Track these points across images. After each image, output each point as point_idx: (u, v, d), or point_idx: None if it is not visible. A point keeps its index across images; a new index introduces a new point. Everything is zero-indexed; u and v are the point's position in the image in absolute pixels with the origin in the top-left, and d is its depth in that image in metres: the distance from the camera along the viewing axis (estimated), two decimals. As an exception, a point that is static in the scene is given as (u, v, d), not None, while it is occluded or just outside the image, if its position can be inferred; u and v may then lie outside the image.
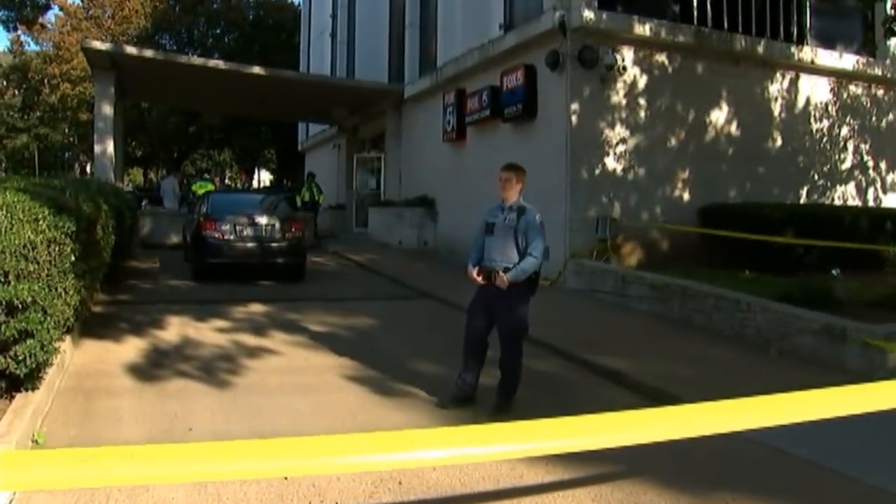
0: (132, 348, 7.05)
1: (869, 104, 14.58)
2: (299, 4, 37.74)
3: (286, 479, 3.99)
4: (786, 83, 13.58)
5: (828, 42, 14.11)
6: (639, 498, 3.96)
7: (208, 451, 1.87)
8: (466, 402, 5.49)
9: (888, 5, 12.00)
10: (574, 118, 11.58)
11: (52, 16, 37.36)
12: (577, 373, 6.83)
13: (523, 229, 5.40)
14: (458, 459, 2.34)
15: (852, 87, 14.36)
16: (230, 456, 1.82)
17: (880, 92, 14.72)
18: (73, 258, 5.38)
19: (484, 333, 5.56)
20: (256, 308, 9.44)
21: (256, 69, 18.31)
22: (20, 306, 4.53)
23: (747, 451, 4.69)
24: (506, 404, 5.42)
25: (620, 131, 11.98)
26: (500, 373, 5.58)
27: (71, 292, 5.49)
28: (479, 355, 5.56)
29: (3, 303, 4.49)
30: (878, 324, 7.09)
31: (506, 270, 5.34)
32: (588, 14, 11.39)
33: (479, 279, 5.53)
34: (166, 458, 1.83)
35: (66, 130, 42.75)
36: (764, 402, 2.32)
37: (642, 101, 12.19)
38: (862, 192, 14.48)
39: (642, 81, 12.20)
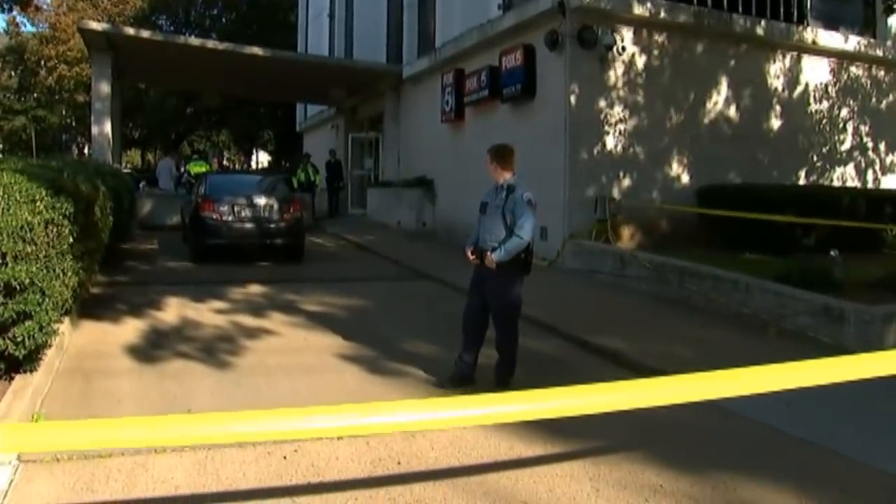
0: (131, 329, 7.07)
1: (869, 85, 14.50)
2: (297, -16, 37.45)
3: (285, 458, 4.02)
4: (786, 64, 13.49)
5: (829, 23, 14.01)
6: (637, 477, 3.98)
7: (205, 419, 1.92)
8: (465, 382, 5.49)
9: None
10: (573, 98, 11.51)
11: (47, -4, 37.11)
12: (575, 353, 6.85)
13: (510, 208, 5.39)
14: (439, 424, 2.46)
15: (853, 69, 14.26)
16: (226, 422, 1.87)
17: (881, 73, 14.63)
18: (71, 239, 5.38)
19: (479, 313, 5.57)
20: (255, 289, 9.45)
21: (254, 50, 18.14)
22: (18, 288, 4.53)
23: (744, 430, 4.72)
24: (504, 384, 5.43)
25: (619, 112, 11.92)
26: (497, 353, 5.60)
27: (69, 273, 5.49)
28: (476, 335, 5.57)
29: (1, 284, 4.49)
30: (877, 305, 7.11)
31: (494, 250, 5.36)
32: (587, -7, 11.30)
33: (473, 259, 5.57)
34: (165, 424, 1.88)
35: (64, 112, 42.51)
36: (743, 374, 2.45)
37: (641, 82, 12.11)
38: (861, 173, 14.44)
39: (641, 62, 12.12)
